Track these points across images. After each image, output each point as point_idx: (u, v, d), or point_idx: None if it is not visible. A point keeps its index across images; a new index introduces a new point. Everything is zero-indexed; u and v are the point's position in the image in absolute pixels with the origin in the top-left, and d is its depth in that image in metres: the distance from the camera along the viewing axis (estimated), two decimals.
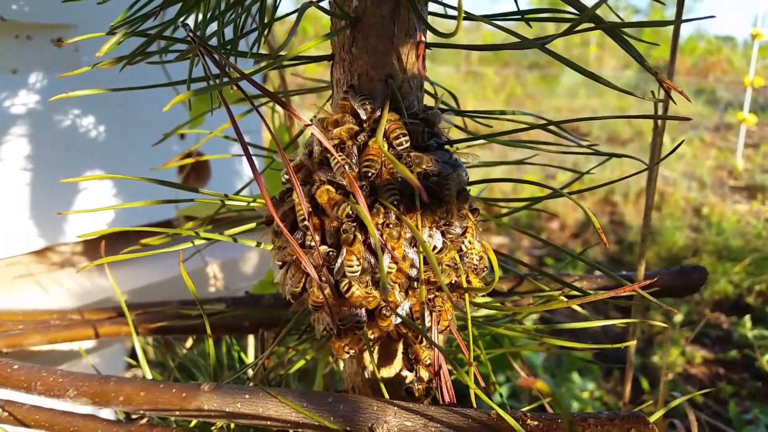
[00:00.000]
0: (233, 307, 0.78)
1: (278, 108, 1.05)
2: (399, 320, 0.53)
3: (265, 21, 0.53)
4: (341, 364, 0.94)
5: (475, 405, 0.53)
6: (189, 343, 0.91)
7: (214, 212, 0.64)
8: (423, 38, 0.41)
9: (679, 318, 2.89)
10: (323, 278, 0.50)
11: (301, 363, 0.67)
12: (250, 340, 1.16)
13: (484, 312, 0.72)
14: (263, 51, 0.77)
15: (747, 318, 2.82)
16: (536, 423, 0.48)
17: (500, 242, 3.78)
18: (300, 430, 0.55)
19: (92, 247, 1.15)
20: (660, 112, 0.75)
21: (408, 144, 0.51)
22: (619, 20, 0.56)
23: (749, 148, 6.18)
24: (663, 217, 4.08)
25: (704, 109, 7.53)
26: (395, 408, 0.52)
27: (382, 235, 0.49)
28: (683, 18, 0.61)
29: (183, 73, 0.82)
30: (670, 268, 0.80)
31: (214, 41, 0.56)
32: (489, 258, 0.57)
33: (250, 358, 1.03)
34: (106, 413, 0.93)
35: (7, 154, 0.98)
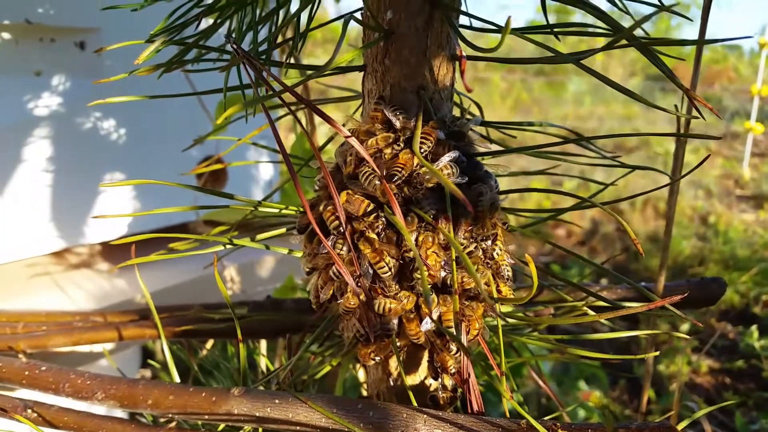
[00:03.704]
0: (255, 311, 0.78)
1: (299, 115, 1.05)
2: (428, 328, 0.53)
3: (300, 32, 0.53)
4: (360, 372, 0.95)
5: (508, 414, 0.54)
6: (209, 344, 0.92)
7: (242, 218, 0.65)
8: (463, 52, 0.41)
9: (685, 327, 2.89)
10: (359, 285, 0.50)
11: (327, 368, 0.68)
12: (263, 343, 1.17)
13: (497, 320, 0.73)
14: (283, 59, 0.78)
15: (754, 328, 2.82)
16: None
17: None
18: None
19: (110, 249, 1.16)
20: (681, 124, 0.76)
21: (430, 147, 0.52)
22: (645, 35, 0.57)
23: (756, 157, 6.18)
24: None
25: (710, 117, 7.52)
26: (425, 416, 0.52)
27: (418, 245, 0.50)
28: (687, 28, 0.61)
29: (207, 82, 0.83)
30: (690, 279, 0.80)
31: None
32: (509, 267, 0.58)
33: (264, 362, 1.03)
34: (119, 414, 0.94)
35: (29, 155, 0.99)
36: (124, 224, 1.11)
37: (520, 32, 0.55)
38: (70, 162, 1.03)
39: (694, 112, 0.59)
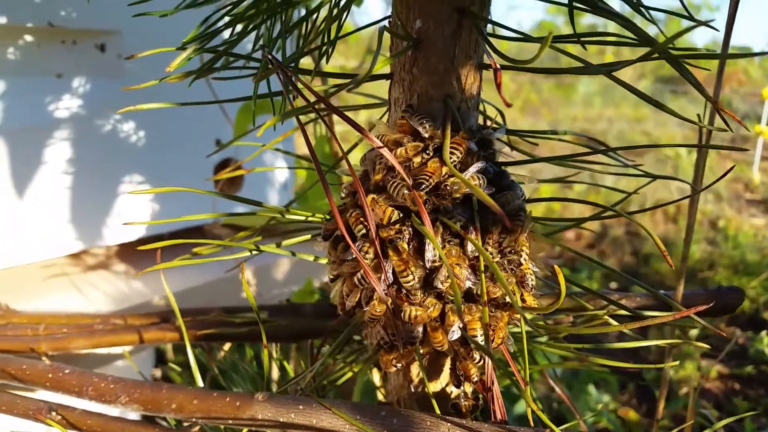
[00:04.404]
0: (275, 315, 0.79)
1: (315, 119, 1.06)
2: (456, 337, 0.54)
3: (330, 40, 0.54)
4: (375, 377, 0.95)
5: (532, 423, 0.54)
6: (227, 346, 0.92)
7: (266, 223, 0.65)
8: (497, 64, 0.41)
9: (694, 332, 2.87)
10: (387, 293, 0.51)
11: (349, 374, 0.68)
12: (274, 347, 1.17)
13: (522, 329, 0.73)
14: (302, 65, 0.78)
15: (764, 333, 2.80)
16: None
17: None
18: None
19: (127, 251, 1.16)
20: (703, 134, 0.76)
21: (460, 157, 0.52)
22: (672, 46, 0.57)
23: (766, 161, 6.14)
24: (679, 230, 4.07)
25: (720, 121, 7.47)
26: (448, 424, 0.53)
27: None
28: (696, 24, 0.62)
29: (228, 88, 0.83)
30: (708, 288, 0.80)
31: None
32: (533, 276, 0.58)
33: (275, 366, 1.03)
34: (133, 417, 0.94)
35: (49, 157, 0.99)
36: (142, 226, 1.12)
37: (554, 42, 0.55)
38: (89, 164, 1.04)
39: (720, 124, 0.59)
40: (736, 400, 2.55)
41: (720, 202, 4.80)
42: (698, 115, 0.66)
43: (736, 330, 3.08)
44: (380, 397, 0.94)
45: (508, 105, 0.36)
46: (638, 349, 2.81)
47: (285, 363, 0.73)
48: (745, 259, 3.68)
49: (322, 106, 0.49)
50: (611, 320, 0.65)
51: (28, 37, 0.94)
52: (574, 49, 0.57)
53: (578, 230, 4.07)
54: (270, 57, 0.43)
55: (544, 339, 0.74)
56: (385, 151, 0.46)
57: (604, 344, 0.64)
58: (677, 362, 0.71)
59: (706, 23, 0.51)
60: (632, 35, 0.53)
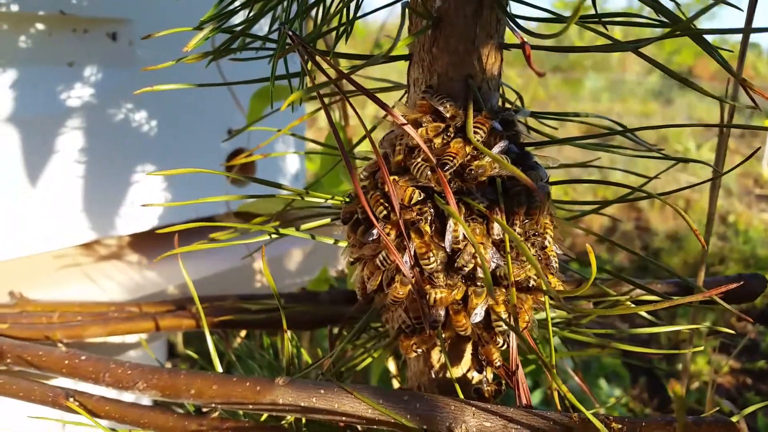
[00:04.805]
0: (291, 302, 0.78)
1: (333, 105, 1.05)
2: (479, 320, 0.53)
3: (349, 18, 0.53)
4: (390, 365, 0.94)
5: (559, 408, 0.53)
6: (243, 333, 0.92)
7: (283, 208, 0.65)
8: (525, 39, 0.41)
9: (706, 324, 2.85)
10: (412, 275, 0.50)
11: (368, 360, 0.67)
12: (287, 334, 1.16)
13: (546, 313, 0.72)
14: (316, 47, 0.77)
15: None
16: (620, 426, 0.48)
17: None
18: (375, 427, 0.55)
19: (140, 242, 1.16)
20: (724, 115, 0.75)
21: (483, 137, 0.51)
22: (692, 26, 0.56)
23: None
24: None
25: (734, 107, 7.42)
26: (473, 408, 0.52)
27: (466, 237, 0.49)
28: (706, 23, 0.61)
29: (239, 72, 0.83)
30: (730, 275, 0.80)
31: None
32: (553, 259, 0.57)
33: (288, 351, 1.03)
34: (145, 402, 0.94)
35: (60, 146, 0.99)
36: (154, 216, 1.11)
37: (582, 22, 0.54)
38: (101, 153, 1.03)
39: (745, 101, 0.58)
40: (749, 394, 2.54)
41: (730, 197, 4.78)
42: (719, 97, 0.65)
43: (748, 325, 3.06)
44: (396, 385, 0.93)
45: (540, 74, 0.35)
46: (650, 343, 2.80)
47: (302, 350, 0.72)
48: (755, 253, 3.66)
49: (343, 83, 0.48)
50: (631, 304, 0.64)
51: (40, 26, 0.94)
52: (580, 37, 0.57)
53: (587, 224, 4.05)
54: (291, 33, 0.42)
55: (560, 326, 0.73)
56: (409, 128, 0.46)
57: (624, 331, 0.63)
58: (702, 347, 0.70)
59: (726, 1, 0.51)
60: (651, 16, 0.52)
